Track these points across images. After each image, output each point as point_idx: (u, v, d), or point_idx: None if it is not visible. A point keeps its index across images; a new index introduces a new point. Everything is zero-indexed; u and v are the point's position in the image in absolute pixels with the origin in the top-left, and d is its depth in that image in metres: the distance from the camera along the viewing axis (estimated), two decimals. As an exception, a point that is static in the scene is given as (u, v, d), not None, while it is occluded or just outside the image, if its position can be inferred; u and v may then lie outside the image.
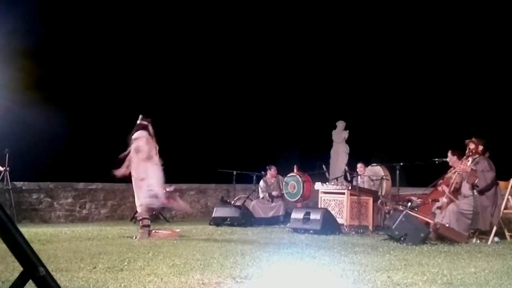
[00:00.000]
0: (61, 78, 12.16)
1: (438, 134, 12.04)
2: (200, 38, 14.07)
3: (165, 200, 7.29)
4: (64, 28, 12.17)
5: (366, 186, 9.45)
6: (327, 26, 14.11)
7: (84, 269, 4.43)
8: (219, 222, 9.38)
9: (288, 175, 10.42)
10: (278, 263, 5.00)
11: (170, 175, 10.78)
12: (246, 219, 9.41)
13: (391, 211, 7.93)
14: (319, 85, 14.44)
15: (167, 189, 7.78)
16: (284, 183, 10.41)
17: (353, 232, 8.24)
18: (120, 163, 7.38)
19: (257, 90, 14.35)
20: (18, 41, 10.28)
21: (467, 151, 7.47)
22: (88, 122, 12.19)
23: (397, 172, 8.64)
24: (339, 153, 12.71)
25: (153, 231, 7.62)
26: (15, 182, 9.92)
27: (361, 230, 8.36)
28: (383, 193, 9.29)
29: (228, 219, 9.35)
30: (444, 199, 7.50)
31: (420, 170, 8.85)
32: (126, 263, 4.76)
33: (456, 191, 7.53)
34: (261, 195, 10.56)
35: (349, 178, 10.26)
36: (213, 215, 9.73)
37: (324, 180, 9.72)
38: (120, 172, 7.34)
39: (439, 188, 7.89)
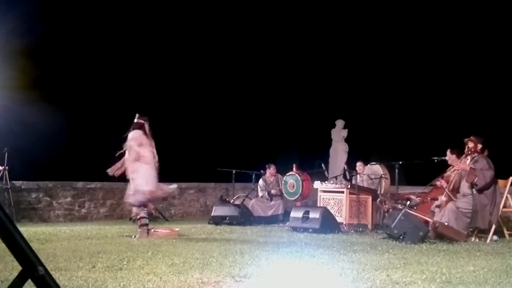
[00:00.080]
0: (60, 77, 12.15)
1: (437, 132, 12.05)
2: (200, 38, 14.06)
3: (150, 196, 7.21)
4: (63, 27, 12.16)
5: (365, 184, 9.45)
6: (326, 26, 14.11)
7: (83, 268, 4.43)
8: (218, 221, 9.38)
9: (287, 174, 10.43)
10: (277, 262, 5.00)
11: (170, 174, 10.81)
12: (245, 218, 9.41)
13: (390, 210, 7.93)
14: (318, 83, 14.44)
15: (169, 188, 7.72)
16: (283, 182, 10.42)
17: (352, 231, 8.24)
18: (115, 161, 7.45)
19: (256, 89, 14.35)
20: (17, 40, 10.27)
21: (466, 150, 7.48)
22: (87, 121, 12.19)
23: (396, 170, 8.64)
24: (338, 152, 12.71)
25: (152, 230, 7.61)
26: (14, 181, 9.91)
27: (360, 228, 8.37)
28: (382, 192, 9.29)
29: (227, 218, 9.35)
30: (443, 198, 7.51)
31: (419, 168, 8.85)
32: (125, 262, 4.76)
33: (455, 190, 7.54)
34: (260, 194, 10.56)
35: (348, 177, 10.26)
36: (212, 214, 9.74)
37: (323, 178, 9.73)
38: (112, 170, 7.41)
39: (438, 183, 7.91)
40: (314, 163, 10.19)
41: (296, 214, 8.28)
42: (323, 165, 9.92)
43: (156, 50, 13.57)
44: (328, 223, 8.00)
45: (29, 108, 10.22)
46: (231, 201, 10.50)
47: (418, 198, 8.48)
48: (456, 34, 12.90)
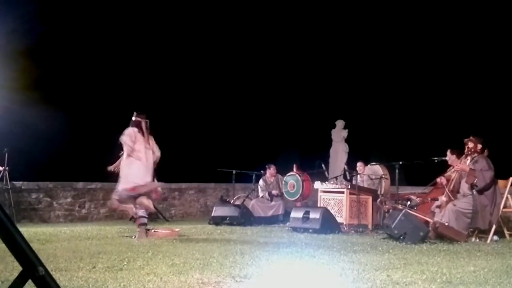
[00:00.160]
0: (60, 78, 12.16)
1: (437, 133, 12.05)
2: (199, 38, 14.07)
3: (132, 192, 7.19)
4: (63, 27, 12.16)
5: (365, 185, 9.45)
6: (326, 26, 14.12)
7: (84, 269, 4.43)
8: (218, 221, 9.38)
9: (288, 174, 10.42)
10: (277, 262, 5.00)
11: (170, 174, 10.82)
12: (245, 218, 9.41)
13: (391, 210, 7.93)
14: (318, 84, 14.44)
15: (153, 184, 7.67)
16: (283, 182, 10.41)
17: (353, 231, 8.24)
18: (116, 160, 7.63)
19: (256, 89, 14.35)
20: (17, 41, 10.27)
21: (466, 150, 7.47)
22: (87, 122, 12.19)
23: (396, 171, 8.64)
24: (339, 152, 12.71)
25: (152, 230, 7.62)
26: (14, 182, 9.91)
27: (361, 229, 8.36)
28: (382, 192, 9.29)
29: (228, 218, 9.35)
30: (443, 198, 7.51)
31: (419, 169, 8.85)
32: (125, 263, 4.76)
33: (455, 190, 7.53)
34: (260, 194, 10.56)
35: (348, 177, 10.26)
36: (212, 214, 9.73)
37: (324, 179, 9.72)
38: (113, 167, 7.59)
39: (438, 179, 7.91)
40: (314, 163, 10.19)
41: (297, 214, 8.28)
42: (323, 165, 9.92)
43: (156, 50, 13.57)
44: (329, 224, 8.00)
45: (29, 108, 10.23)
46: (231, 202, 10.50)
47: (418, 199, 8.48)
48: (456, 34, 12.90)
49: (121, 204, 7.26)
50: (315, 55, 14.41)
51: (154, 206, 10.87)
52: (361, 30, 13.97)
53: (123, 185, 7.13)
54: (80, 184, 10.76)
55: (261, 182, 10.62)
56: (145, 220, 7.22)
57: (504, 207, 7.41)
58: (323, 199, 9.09)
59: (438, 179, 7.93)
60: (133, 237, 7.11)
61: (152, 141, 7.43)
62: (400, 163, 8.74)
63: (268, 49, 14.39)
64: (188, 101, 13.77)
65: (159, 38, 13.47)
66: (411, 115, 13.31)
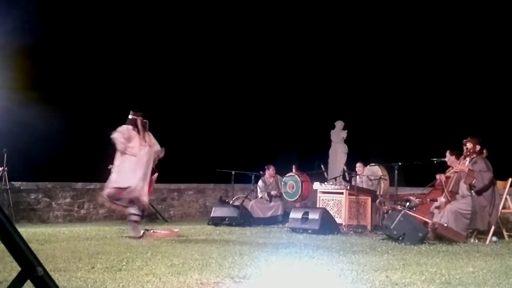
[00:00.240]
0: (59, 78, 12.15)
1: (437, 134, 12.05)
2: (199, 38, 14.06)
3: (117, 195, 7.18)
4: (62, 27, 12.15)
5: (364, 185, 9.45)
6: (325, 26, 14.12)
7: (82, 269, 4.43)
8: (217, 222, 9.38)
9: (287, 175, 10.42)
10: (276, 263, 5.00)
11: (169, 175, 10.82)
12: (244, 219, 9.41)
13: (390, 211, 7.93)
14: (317, 85, 14.44)
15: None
16: (282, 183, 10.41)
17: (352, 232, 8.24)
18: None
19: (255, 90, 14.35)
20: (16, 41, 10.26)
21: (464, 151, 7.48)
22: (86, 122, 12.17)
23: (396, 172, 8.64)
24: (338, 153, 12.71)
25: (151, 231, 7.62)
26: (13, 182, 9.90)
27: (360, 230, 8.36)
28: (381, 193, 9.29)
29: (227, 219, 9.35)
30: (442, 199, 7.51)
31: (419, 170, 8.86)
32: (124, 263, 4.76)
33: (454, 191, 7.54)
34: (260, 195, 10.56)
35: (347, 178, 10.27)
36: (211, 215, 9.73)
37: (323, 180, 9.72)
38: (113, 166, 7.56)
39: (438, 176, 7.90)
40: (313, 164, 10.20)
41: (296, 215, 8.28)
42: (322, 166, 9.92)
43: (156, 51, 13.57)
44: (328, 224, 8.00)
45: (28, 108, 10.22)
46: (231, 202, 10.50)
47: (417, 199, 8.48)
48: (455, 35, 12.91)
49: (112, 202, 7.25)
50: (315, 56, 14.41)
51: (153, 207, 10.92)
52: (361, 31, 13.98)
53: (112, 185, 7.11)
54: (79, 185, 10.75)
55: (260, 183, 10.62)
56: (135, 218, 7.15)
57: (503, 208, 7.41)
58: (322, 199, 9.09)
59: (437, 176, 7.93)
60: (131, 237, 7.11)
61: (149, 138, 7.42)
62: (399, 164, 8.74)
63: (267, 49, 14.39)
64: (187, 101, 13.76)
65: (159, 38, 13.46)
66: (410, 116, 13.31)
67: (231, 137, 13.85)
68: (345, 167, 10.81)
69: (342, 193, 8.77)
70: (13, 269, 4.05)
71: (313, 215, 8.01)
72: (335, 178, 10.33)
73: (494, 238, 7.10)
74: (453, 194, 7.51)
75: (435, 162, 8.19)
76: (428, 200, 8.22)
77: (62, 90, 12.05)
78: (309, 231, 7.83)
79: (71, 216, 10.54)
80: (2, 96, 10.06)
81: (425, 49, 13.44)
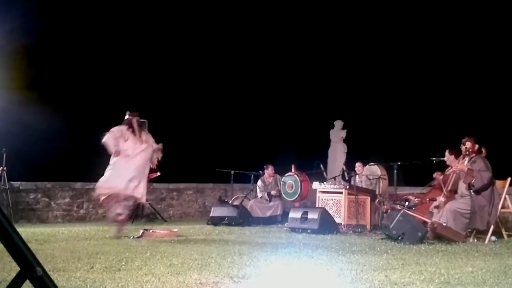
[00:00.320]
0: (58, 78, 12.14)
1: (436, 133, 12.05)
2: (198, 38, 14.05)
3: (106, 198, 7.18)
4: (61, 27, 12.14)
5: (364, 185, 9.46)
6: (324, 26, 14.12)
7: (82, 269, 4.43)
8: (217, 221, 9.38)
9: (286, 174, 10.42)
10: (275, 262, 5.00)
11: (168, 175, 10.81)
12: (244, 218, 9.41)
13: (389, 211, 7.93)
14: (317, 84, 14.44)
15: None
16: (282, 182, 10.41)
17: (351, 232, 8.24)
18: None
19: (255, 90, 14.34)
20: (15, 41, 10.26)
21: (463, 150, 7.48)
22: (86, 122, 12.16)
23: (395, 171, 8.65)
24: (337, 153, 12.71)
25: (151, 230, 7.62)
26: (12, 182, 9.90)
27: (359, 229, 8.37)
28: (380, 193, 9.30)
29: (226, 219, 9.35)
30: (441, 198, 7.52)
31: (418, 169, 8.86)
32: (123, 263, 4.76)
33: (453, 191, 7.55)
34: (259, 195, 10.56)
35: (347, 178, 10.27)
36: (211, 215, 9.73)
37: (322, 179, 9.73)
38: None
39: (435, 175, 7.91)
40: (312, 163, 10.20)
41: (295, 214, 8.29)
42: (321, 165, 9.92)
43: (155, 50, 13.56)
44: (327, 224, 8.00)
45: (28, 109, 10.21)
46: (230, 202, 10.50)
47: (416, 199, 8.49)
48: (454, 35, 12.91)
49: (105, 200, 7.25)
50: (314, 55, 14.40)
51: (153, 206, 10.92)
52: (360, 31, 13.97)
53: (102, 185, 7.10)
54: (78, 184, 10.75)
55: (259, 182, 10.62)
56: (121, 217, 7.12)
57: (502, 207, 7.42)
58: (322, 199, 9.10)
59: (434, 175, 7.95)
60: (131, 237, 7.11)
61: (146, 136, 7.41)
62: (399, 163, 8.74)
63: (266, 49, 14.38)
64: (186, 101, 13.76)
65: (158, 38, 13.45)
66: (409, 116, 13.31)
67: (230, 137, 13.84)
68: (344, 167, 10.81)
69: (341, 193, 8.77)
70: (12, 269, 4.05)
71: (312, 215, 8.01)
72: (334, 178, 10.33)
73: (493, 238, 7.10)
74: (452, 194, 7.51)
75: (434, 161, 8.20)
76: (427, 199, 8.22)
77: (61, 90, 12.04)
78: (308, 230, 7.83)
79: (70, 216, 10.54)
80: (1, 96, 10.06)
81: (424, 49, 13.44)
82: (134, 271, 4.35)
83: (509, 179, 7.59)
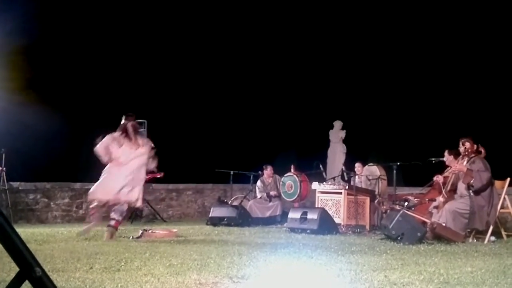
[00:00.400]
0: (57, 78, 12.14)
1: (435, 134, 12.06)
2: (197, 39, 14.06)
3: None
4: (61, 27, 12.14)
5: (363, 185, 9.46)
6: (324, 27, 14.12)
7: (81, 270, 4.43)
8: (216, 222, 9.38)
9: (285, 175, 10.43)
10: (275, 263, 5.00)
11: (168, 175, 10.81)
12: (243, 219, 9.41)
13: (388, 211, 7.93)
14: (316, 84, 14.44)
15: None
16: (281, 182, 10.42)
17: (350, 232, 8.24)
18: None
19: (254, 90, 14.35)
20: (14, 41, 10.25)
21: (462, 151, 7.48)
22: (85, 122, 12.16)
23: (394, 171, 8.65)
24: (336, 153, 12.71)
25: (150, 231, 7.62)
26: (11, 183, 9.90)
27: (358, 229, 8.37)
28: (379, 193, 9.30)
29: (225, 219, 9.35)
30: (441, 199, 7.52)
31: (417, 169, 8.86)
32: (123, 263, 4.76)
33: (453, 191, 7.55)
34: (259, 195, 10.56)
35: (346, 178, 10.27)
36: (210, 215, 9.73)
37: (321, 179, 9.73)
38: None
39: (435, 178, 7.92)
40: (312, 164, 10.20)
41: (294, 215, 8.28)
42: (321, 166, 9.93)
43: (154, 51, 13.56)
44: (326, 224, 8.00)
45: (27, 109, 10.22)
46: (229, 202, 10.50)
47: (416, 199, 8.48)
48: (454, 35, 12.92)
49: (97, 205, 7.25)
50: (313, 56, 14.41)
51: (152, 207, 10.92)
52: (359, 31, 13.98)
53: (94, 192, 7.09)
54: (77, 185, 10.75)
55: (259, 183, 10.62)
56: (112, 223, 7.07)
57: (501, 207, 7.42)
58: (321, 199, 9.10)
59: (435, 178, 7.95)
60: (130, 237, 7.11)
61: (143, 141, 7.39)
62: (398, 163, 8.74)
63: (266, 50, 14.39)
64: (185, 102, 13.76)
65: (157, 39, 13.46)
66: (409, 116, 13.32)
67: (229, 137, 13.85)
68: (343, 167, 10.81)
69: (340, 193, 8.77)
70: (12, 269, 4.04)
71: (312, 215, 8.01)
72: (333, 178, 10.33)
73: (493, 238, 7.10)
74: (451, 194, 7.51)
75: (433, 162, 8.20)
76: (427, 200, 8.22)
77: (60, 91, 12.04)
78: (308, 231, 7.83)
79: (69, 216, 10.54)
80: (1, 97, 10.06)
81: (423, 49, 13.45)
82: (134, 272, 4.35)
83: (508, 179, 7.59)
